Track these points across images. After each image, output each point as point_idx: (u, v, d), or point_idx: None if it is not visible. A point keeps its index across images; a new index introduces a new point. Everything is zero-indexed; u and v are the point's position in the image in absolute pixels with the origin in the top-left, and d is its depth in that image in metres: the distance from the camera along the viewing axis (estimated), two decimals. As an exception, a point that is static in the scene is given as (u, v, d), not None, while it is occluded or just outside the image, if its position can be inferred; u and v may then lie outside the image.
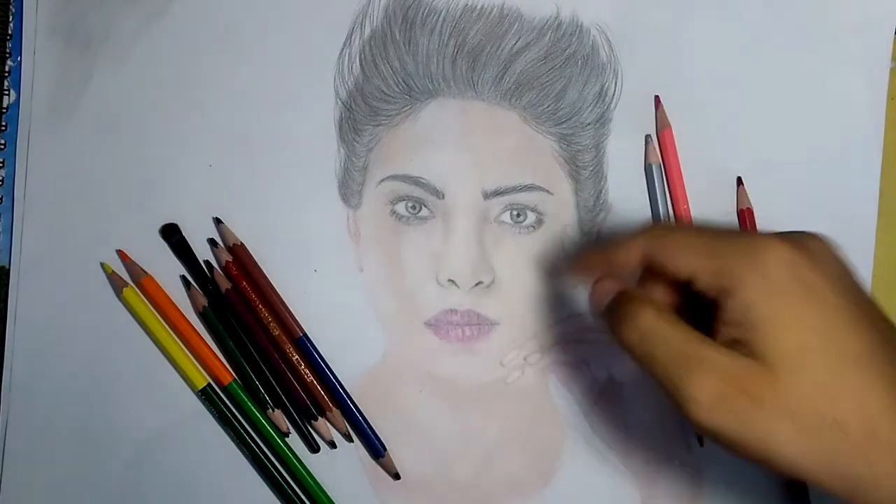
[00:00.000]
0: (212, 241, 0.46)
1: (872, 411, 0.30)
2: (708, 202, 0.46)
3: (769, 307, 0.32)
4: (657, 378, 0.33)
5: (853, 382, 0.31)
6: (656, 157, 0.46)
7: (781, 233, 0.34)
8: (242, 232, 0.45)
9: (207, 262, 0.46)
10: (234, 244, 0.45)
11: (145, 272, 0.45)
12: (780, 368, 0.31)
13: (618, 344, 0.35)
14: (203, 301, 0.45)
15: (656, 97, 0.46)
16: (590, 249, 0.42)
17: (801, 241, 0.33)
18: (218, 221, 0.46)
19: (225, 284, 0.45)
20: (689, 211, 0.45)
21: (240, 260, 0.45)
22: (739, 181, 0.45)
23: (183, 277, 0.45)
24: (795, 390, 0.31)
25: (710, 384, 0.31)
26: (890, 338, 0.32)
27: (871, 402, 0.30)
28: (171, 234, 0.45)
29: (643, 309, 0.34)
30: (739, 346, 0.32)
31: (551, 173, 0.46)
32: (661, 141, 0.46)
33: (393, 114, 0.46)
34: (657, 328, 0.33)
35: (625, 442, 0.45)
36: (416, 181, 0.45)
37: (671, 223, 0.42)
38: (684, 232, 0.36)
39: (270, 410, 0.45)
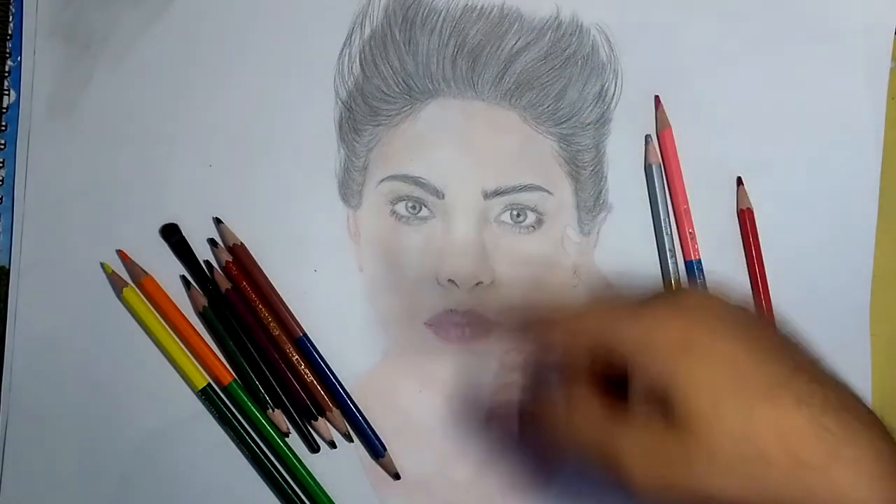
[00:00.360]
0: (212, 241, 0.46)
1: (791, 438, 0.30)
2: (708, 202, 0.46)
3: (669, 377, 0.32)
4: (604, 478, 0.35)
5: (767, 415, 0.31)
6: (656, 157, 0.46)
7: (660, 296, 0.35)
8: (242, 232, 0.45)
9: (207, 262, 0.46)
10: (234, 244, 0.45)
11: (145, 272, 0.45)
12: (698, 427, 0.32)
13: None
14: (203, 301, 0.45)
15: (656, 97, 0.46)
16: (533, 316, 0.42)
17: (678, 303, 0.34)
18: (218, 221, 0.46)
19: (225, 284, 0.45)
20: (689, 211, 0.45)
21: (240, 260, 0.45)
22: (739, 181, 0.46)
23: (183, 277, 0.45)
24: (717, 442, 0.31)
25: (639, 464, 0.33)
26: (802, 362, 0.33)
27: (787, 429, 0.30)
28: (171, 234, 0.45)
29: (548, 401, 0.37)
30: (654, 416, 0.33)
31: (551, 173, 0.46)
32: (661, 141, 0.46)
33: (393, 114, 0.46)
34: (576, 425, 0.35)
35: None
36: (416, 181, 0.45)
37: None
38: (578, 322, 0.36)
39: (270, 410, 0.45)
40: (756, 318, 0.35)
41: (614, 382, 0.35)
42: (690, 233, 0.45)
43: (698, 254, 0.45)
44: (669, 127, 0.45)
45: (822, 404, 0.31)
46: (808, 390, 0.31)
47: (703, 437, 0.31)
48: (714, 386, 0.32)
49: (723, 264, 0.46)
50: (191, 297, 0.45)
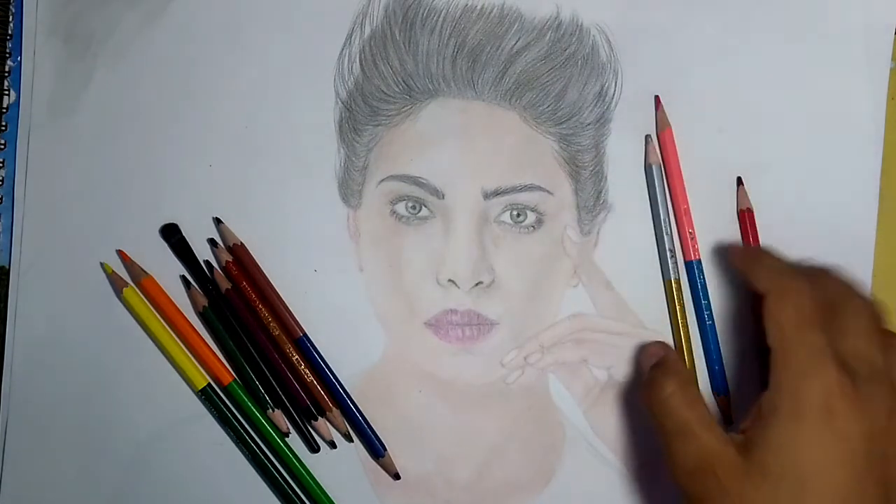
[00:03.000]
0: (212, 241, 0.46)
1: None
2: (708, 202, 0.46)
3: (786, 430, 0.35)
4: (660, 441, 0.39)
5: None
6: (656, 157, 0.46)
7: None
8: (242, 232, 0.45)
9: (207, 262, 0.46)
10: (234, 244, 0.45)
11: (145, 272, 0.45)
12: (760, 470, 0.35)
13: (641, 402, 0.41)
14: (203, 301, 0.45)
15: (656, 97, 0.46)
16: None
17: (857, 375, 0.36)
18: (218, 221, 0.46)
19: (225, 284, 0.45)
20: (689, 211, 0.45)
21: (240, 260, 0.45)
22: (739, 181, 0.46)
23: (183, 277, 0.45)
24: (762, 495, 0.34)
25: (692, 456, 0.37)
26: None
27: None
28: (171, 234, 0.45)
29: (668, 381, 0.39)
30: (747, 430, 0.37)
31: (551, 173, 0.46)
32: (661, 141, 0.46)
33: (393, 114, 0.46)
34: (672, 402, 0.39)
35: (625, 442, 0.45)
36: (416, 181, 0.45)
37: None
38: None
39: (270, 410, 0.45)
40: (884, 459, 0.36)
41: None
42: (690, 233, 0.45)
43: (698, 254, 0.45)
44: (669, 127, 0.45)
45: None
46: None
47: (755, 481, 0.35)
48: (809, 464, 0.35)
49: (723, 264, 0.46)
50: (191, 297, 0.45)
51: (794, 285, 0.38)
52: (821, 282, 0.39)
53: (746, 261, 0.42)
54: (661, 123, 0.45)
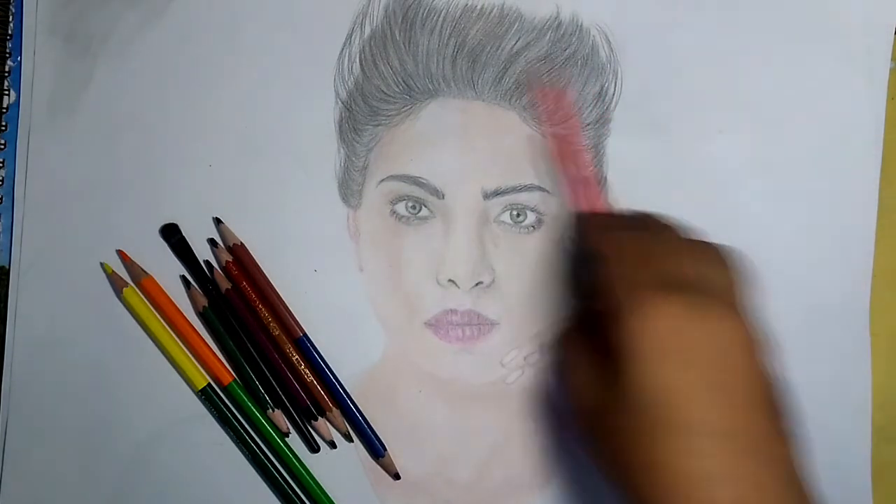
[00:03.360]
0: (212, 241, 0.46)
1: None
2: (708, 202, 0.46)
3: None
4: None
5: None
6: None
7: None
8: (242, 232, 0.45)
9: (207, 262, 0.46)
10: (234, 244, 0.45)
11: (145, 272, 0.45)
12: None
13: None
14: (203, 301, 0.45)
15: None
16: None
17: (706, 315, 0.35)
18: (218, 221, 0.46)
19: (225, 284, 0.45)
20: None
21: (240, 260, 0.45)
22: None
23: (183, 277, 0.45)
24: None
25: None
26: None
27: None
28: (171, 234, 0.45)
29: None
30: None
31: (551, 173, 0.46)
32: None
33: (393, 114, 0.46)
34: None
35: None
36: (416, 181, 0.45)
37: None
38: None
39: (270, 410, 0.45)
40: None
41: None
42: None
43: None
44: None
45: None
46: None
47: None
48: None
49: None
50: (191, 297, 0.45)
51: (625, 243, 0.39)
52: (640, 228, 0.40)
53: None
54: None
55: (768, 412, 0.34)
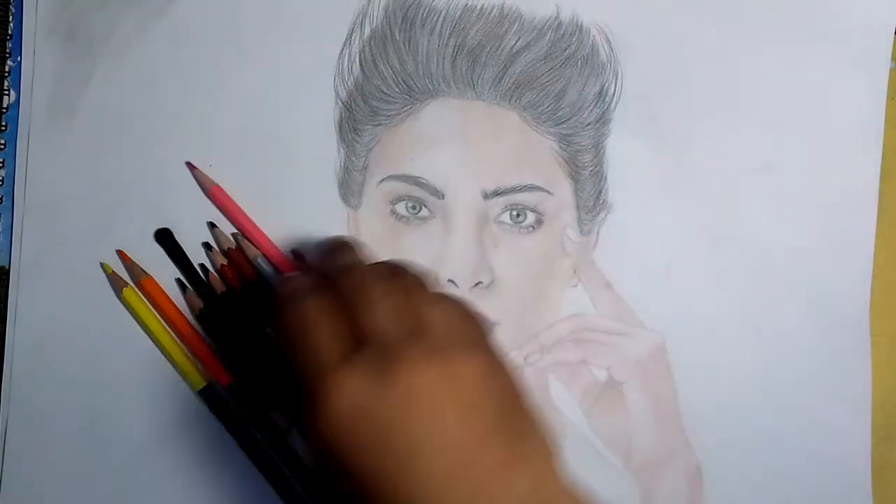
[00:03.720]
0: (206, 245, 0.45)
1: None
2: (708, 202, 0.46)
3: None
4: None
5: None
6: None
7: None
8: (242, 232, 0.46)
9: (202, 265, 0.46)
10: (229, 248, 0.45)
11: (145, 272, 0.45)
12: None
13: None
14: (199, 304, 0.45)
15: (188, 163, 0.45)
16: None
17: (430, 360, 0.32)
18: (212, 226, 0.45)
19: (220, 288, 0.45)
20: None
21: (235, 263, 0.45)
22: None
23: (178, 281, 0.45)
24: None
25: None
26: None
27: None
28: (165, 239, 0.45)
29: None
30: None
31: (551, 173, 0.46)
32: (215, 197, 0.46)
33: (393, 114, 0.46)
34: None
35: (625, 442, 0.45)
36: (415, 181, 0.45)
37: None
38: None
39: (270, 410, 0.45)
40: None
41: None
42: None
43: (698, 254, 0.45)
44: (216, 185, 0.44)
45: None
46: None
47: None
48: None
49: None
50: (187, 300, 0.45)
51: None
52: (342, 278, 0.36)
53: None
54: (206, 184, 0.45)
55: (508, 438, 0.32)
